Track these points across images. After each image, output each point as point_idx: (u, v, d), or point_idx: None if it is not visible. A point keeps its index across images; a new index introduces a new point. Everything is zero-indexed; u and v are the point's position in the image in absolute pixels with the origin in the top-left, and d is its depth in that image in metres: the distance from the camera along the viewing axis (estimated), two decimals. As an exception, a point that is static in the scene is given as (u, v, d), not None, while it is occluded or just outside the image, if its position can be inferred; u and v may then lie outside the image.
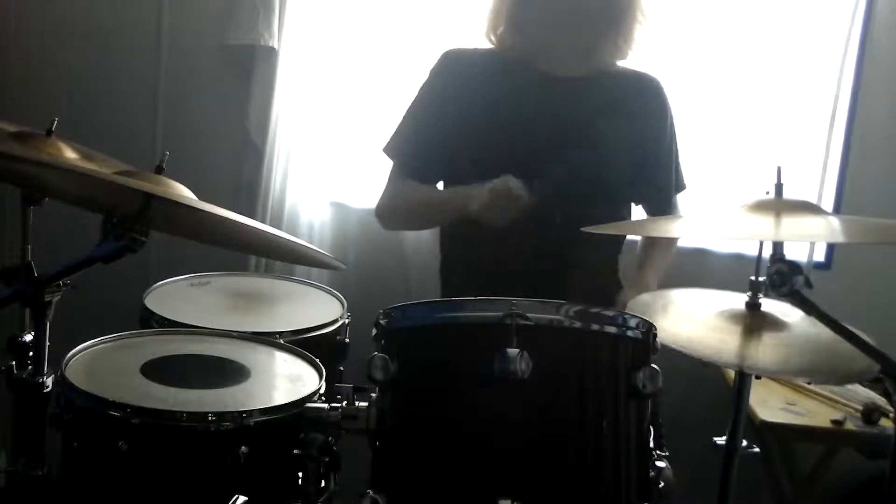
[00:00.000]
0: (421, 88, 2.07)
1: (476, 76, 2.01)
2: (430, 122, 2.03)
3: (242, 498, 1.32)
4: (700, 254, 2.57)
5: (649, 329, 1.32)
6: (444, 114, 2.00)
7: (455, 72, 2.03)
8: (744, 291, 1.57)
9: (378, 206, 2.11)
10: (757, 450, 1.63)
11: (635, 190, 2.07)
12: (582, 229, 1.56)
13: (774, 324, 1.55)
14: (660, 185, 2.10)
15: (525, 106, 1.98)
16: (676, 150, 2.13)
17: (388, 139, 2.09)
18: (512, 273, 1.87)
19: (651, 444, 1.33)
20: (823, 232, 1.47)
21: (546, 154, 1.94)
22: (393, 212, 2.11)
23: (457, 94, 2.00)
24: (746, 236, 1.60)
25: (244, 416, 1.40)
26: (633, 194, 2.09)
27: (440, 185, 2.07)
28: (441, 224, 2.12)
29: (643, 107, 2.04)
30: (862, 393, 2.21)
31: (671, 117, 2.09)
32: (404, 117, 2.08)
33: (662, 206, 2.12)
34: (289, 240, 1.65)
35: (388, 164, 2.11)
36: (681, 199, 2.17)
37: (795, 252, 1.46)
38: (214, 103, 2.83)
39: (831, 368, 1.50)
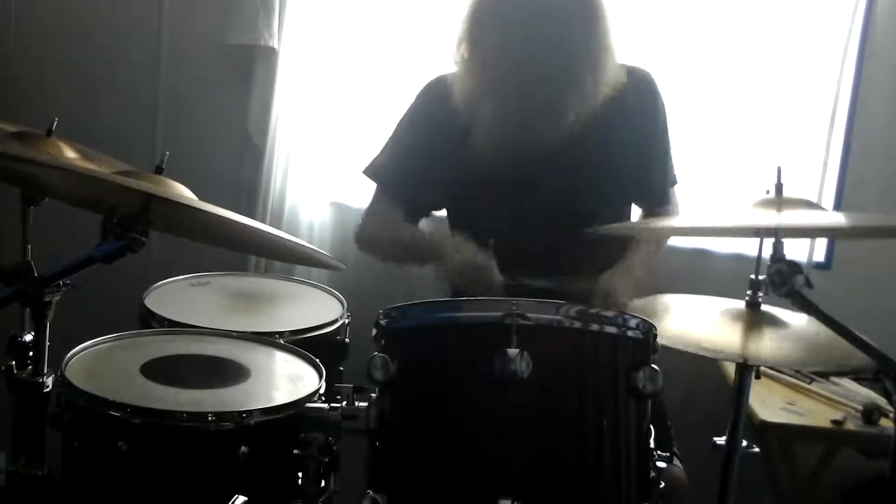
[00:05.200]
0: (406, 115, 2.05)
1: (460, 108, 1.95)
2: (418, 148, 2.01)
3: (242, 498, 1.32)
4: (700, 254, 2.57)
5: (649, 329, 1.32)
6: (432, 143, 1.98)
7: (441, 102, 1.97)
8: (744, 292, 1.57)
9: (360, 229, 2.10)
10: (757, 450, 1.63)
11: (631, 191, 2.07)
12: (587, 231, 1.56)
13: (774, 321, 1.55)
14: (655, 184, 2.09)
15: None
16: (668, 145, 2.11)
17: (369, 162, 2.07)
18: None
19: (651, 444, 1.34)
20: (825, 224, 1.47)
21: (541, 167, 1.92)
22: (371, 243, 2.10)
23: (445, 124, 1.96)
24: (749, 225, 1.57)
25: (244, 416, 1.40)
26: (629, 196, 2.09)
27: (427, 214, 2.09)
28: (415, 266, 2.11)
29: (635, 109, 2.00)
30: (862, 393, 2.21)
31: (663, 111, 2.06)
32: (389, 141, 2.06)
33: (659, 202, 2.11)
34: (289, 240, 1.65)
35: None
36: (676, 192, 2.16)
37: (795, 252, 1.45)
38: (214, 103, 2.83)
39: (831, 359, 1.50)
